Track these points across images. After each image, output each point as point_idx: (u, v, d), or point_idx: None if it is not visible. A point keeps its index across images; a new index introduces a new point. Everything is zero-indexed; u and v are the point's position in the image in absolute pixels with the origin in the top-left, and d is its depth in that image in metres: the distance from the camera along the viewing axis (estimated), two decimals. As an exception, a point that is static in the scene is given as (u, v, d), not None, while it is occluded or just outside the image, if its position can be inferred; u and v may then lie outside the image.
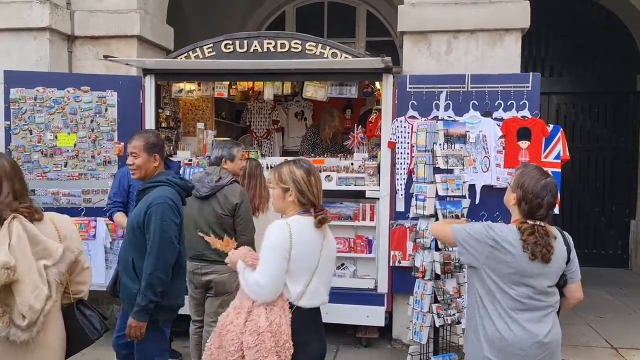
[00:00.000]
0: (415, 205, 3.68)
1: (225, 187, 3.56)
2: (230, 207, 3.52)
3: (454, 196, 3.67)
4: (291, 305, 2.19)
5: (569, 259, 2.30)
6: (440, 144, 3.64)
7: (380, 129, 4.79)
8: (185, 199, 2.97)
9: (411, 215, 3.89)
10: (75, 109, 4.80)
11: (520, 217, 2.29)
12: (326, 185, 4.77)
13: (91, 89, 4.81)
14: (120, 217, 4.06)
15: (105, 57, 4.33)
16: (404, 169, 4.61)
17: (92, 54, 5.21)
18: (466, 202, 3.68)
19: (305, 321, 2.20)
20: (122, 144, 4.81)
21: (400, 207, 4.62)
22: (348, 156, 5.10)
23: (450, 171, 3.71)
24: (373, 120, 5.14)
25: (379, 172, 4.70)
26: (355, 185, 4.74)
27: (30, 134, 4.75)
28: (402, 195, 4.60)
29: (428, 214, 3.60)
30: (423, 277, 3.62)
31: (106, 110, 4.84)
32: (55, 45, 5.04)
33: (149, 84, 4.89)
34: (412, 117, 4.58)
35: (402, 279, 4.52)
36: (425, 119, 4.41)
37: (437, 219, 3.59)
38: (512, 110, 4.45)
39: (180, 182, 2.93)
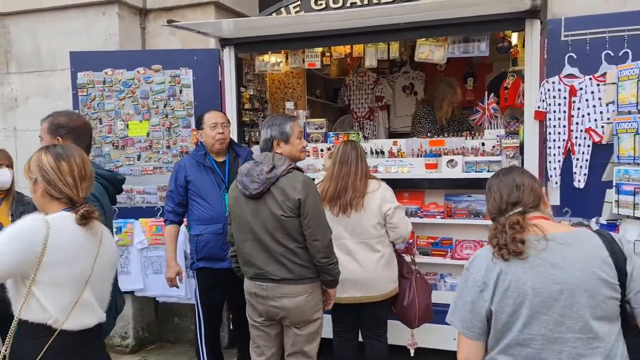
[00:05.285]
0: (617, 200, 2.41)
1: (281, 177, 2.55)
2: (292, 205, 2.53)
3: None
4: (51, 330, 1.75)
5: (622, 272, 1.56)
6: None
7: (522, 95, 3.59)
8: (113, 193, 2.58)
9: (605, 217, 2.61)
10: (147, 92, 4.13)
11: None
12: (449, 173, 3.70)
13: (163, 67, 4.11)
14: (169, 234, 3.44)
15: (169, 22, 3.58)
16: (559, 147, 3.39)
17: (167, 29, 4.51)
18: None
19: (75, 347, 1.80)
20: (200, 131, 4.09)
21: (554, 199, 3.41)
22: (476, 135, 3.93)
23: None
24: (509, 86, 3.91)
25: (521, 154, 3.52)
26: (488, 171, 3.58)
27: (100, 123, 4.17)
28: (557, 183, 3.40)
29: (641, 216, 2.33)
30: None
31: (180, 92, 4.13)
32: (125, 20, 4.42)
33: (228, 57, 4.08)
34: (570, 75, 3.33)
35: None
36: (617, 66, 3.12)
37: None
38: None
39: (105, 172, 2.58)
